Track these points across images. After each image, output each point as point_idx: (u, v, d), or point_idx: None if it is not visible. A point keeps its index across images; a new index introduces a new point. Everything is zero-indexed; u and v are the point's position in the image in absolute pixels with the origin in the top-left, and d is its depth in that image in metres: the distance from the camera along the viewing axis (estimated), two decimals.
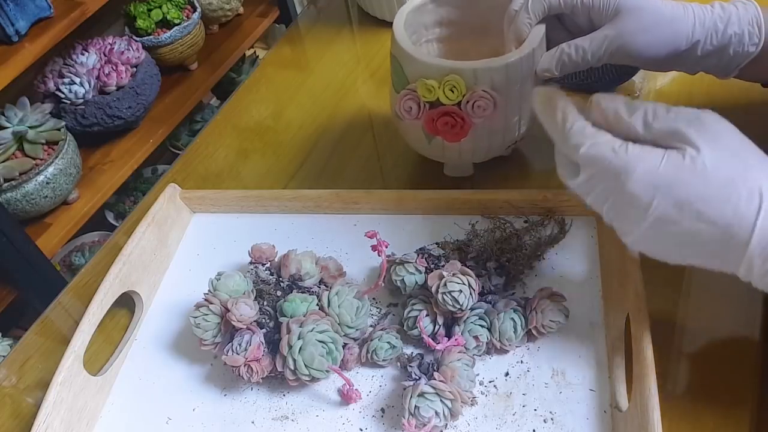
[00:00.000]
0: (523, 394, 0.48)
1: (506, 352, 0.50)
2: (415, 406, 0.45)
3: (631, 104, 0.41)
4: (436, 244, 0.56)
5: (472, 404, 0.47)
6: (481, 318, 0.50)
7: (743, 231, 0.36)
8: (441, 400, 0.45)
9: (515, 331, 0.49)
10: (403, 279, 0.52)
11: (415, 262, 0.52)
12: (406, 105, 0.58)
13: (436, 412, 0.45)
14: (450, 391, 0.45)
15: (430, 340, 0.49)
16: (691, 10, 0.52)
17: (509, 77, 0.54)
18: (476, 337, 0.49)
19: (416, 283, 0.52)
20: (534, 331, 0.50)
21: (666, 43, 0.51)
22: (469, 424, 0.47)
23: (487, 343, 0.50)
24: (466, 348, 0.49)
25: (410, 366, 0.48)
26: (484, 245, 0.54)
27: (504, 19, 0.56)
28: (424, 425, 0.45)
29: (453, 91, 0.55)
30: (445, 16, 0.66)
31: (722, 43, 0.52)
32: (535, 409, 0.47)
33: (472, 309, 0.50)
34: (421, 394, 0.45)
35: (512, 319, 0.49)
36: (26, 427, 0.54)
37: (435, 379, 0.46)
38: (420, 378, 0.47)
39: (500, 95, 0.55)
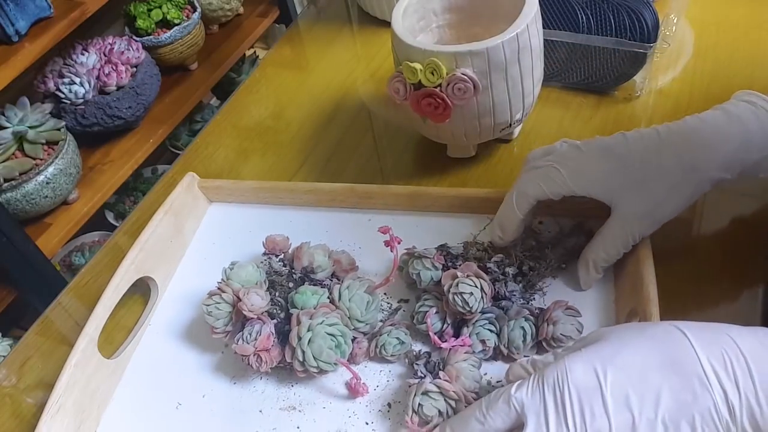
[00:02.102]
0: None
1: (513, 359, 0.49)
2: (419, 404, 0.45)
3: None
4: (464, 243, 0.55)
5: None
6: (490, 322, 0.50)
7: None
8: (445, 400, 0.45)
9: (524, 340, 0.49)
10: (419, 273, 0.52)
11: (433, 258, 0.52)
12: (394, 86, 0.61)
13: (440, 411, 0.45)
14: (454, 391, 0.45)
15: (436, 337, 0.49)
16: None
17: (490, 61, 0.56)
18: (483, 341, 0.49)
19: (432, 279, 0.52)
20: (544, 344, 0.49)
21: (689, 197, 0.48)
22: None
23: (494, 348, 0.49)
24: (473, 350, 0.49)
25: (417, 363, 0.48)
26: (509, 250, 0.53)
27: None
28: (427, 423, 0.45)
29: (434, 74, 0.57)
30: (454, 1, 0.67)
31: (750, 167, 0.48)
32: None
33: (482, 312, 0.50)
34: (425, 393, 0.45)
35: (522, 327, 0.49)
36: (26, 427, 0.54)
37: (440, 378, 0.46)
38: (425, 376, 0.47)
39: (481, 78, 0.56)
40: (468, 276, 0.49)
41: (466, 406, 0.45)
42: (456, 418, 0.43)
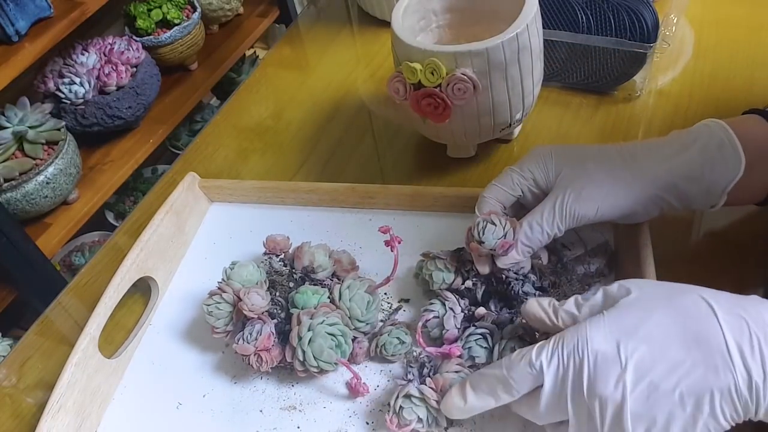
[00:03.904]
0: None
1: None
2: (400, 406, 0.45)
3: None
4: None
5: (452, 422, 0.46)
6: (484, 338, 0.48)
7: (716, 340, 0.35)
8: (426, 407, 0.45)
9: None
10: (431, 274, 0.52)
11: (447, 260, 0.52)
12: (394, 86, 0.61)
13: (419, 417, 0.45)
14: (436, 400, 0.45)
15: (421, 340, 0.48)
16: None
17: (490, 61, 0.56)
18: (473, 357, 0.48)
19: (443, 280, 0.51)
20: None
21: (628, 190, 0.47)
22: (475, 423, 0.47)
23: (483, 365, 0.48)
24: (461, 359, 0.48)
25: (411, 365, 0.48)
26: (532, 263, 0.52)
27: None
28: (406, 426, 0.45)
29: (434, 74, 0.57)
30: (454, 1, 0.67)
31: (701, 177, 0.47)
32: None
33: (476, 326, 0.49)
34: (408, 396, 0.45)
35: (513, 348, 0.46)
36: (26, 427, 0.54)
37: (426, 384, 0.46)
38: (413, 380, 0.47)
39: (481, 78, 0.56)
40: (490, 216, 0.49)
41: (447, 417, 0.45)
42: (476, 376, 0.42)
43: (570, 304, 0.41)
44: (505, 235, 0.48)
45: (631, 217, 0.49)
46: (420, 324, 0.50)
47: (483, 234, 0.48)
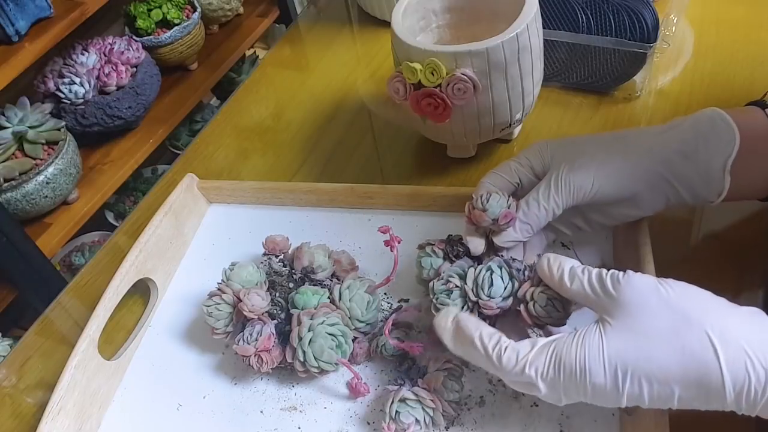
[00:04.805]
0: None
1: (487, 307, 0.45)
2: (396, 411, 0.45)
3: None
4: None
5: (453, 421, 0.46)
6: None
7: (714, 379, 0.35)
8: (423, 408, 0.45)
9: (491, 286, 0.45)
10: (420, 261, 0.51)
11: (435, 244, 0.51)
12: (394, 86, 0.61)
13: (417, 419, 0.45)
14: (432, 400, 0.45)
15: (387, 330, 0.49)
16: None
17: (490, 61, 0.56)
18: (448, 281, 0.46)
19: (432, 266, 0.51)
20: (525, 315, 0.44)
21: (622, 164, 0.47)
22: (476, 422, 0.47)
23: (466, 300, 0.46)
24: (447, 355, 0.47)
25: (398, 370, 0.48)
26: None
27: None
28: (404, 430, 0.45)
29: (434, 74, 0.57)
30: (454, 1, 0.67)
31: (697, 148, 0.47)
32: (543, 410, 0.47)
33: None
34: (403, 400, 0.45)
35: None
36: (26, 427, 0.54)
37: (418, 385, 0.46)
38: (404, 383, 0.47)
39: (481, 78, 0.56)
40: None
41: (444, 415, 0.45)
42: (464, 350, 0.42)
43: (573, 273, 0.41)
44: (509, 206, 0.48)
45: (633, 202, 0.48)
46: (393, 316, 0.50)
47: (488, 202, 0.47)
